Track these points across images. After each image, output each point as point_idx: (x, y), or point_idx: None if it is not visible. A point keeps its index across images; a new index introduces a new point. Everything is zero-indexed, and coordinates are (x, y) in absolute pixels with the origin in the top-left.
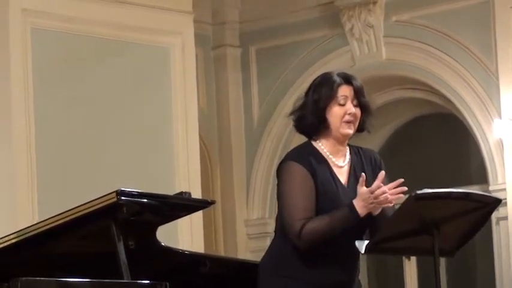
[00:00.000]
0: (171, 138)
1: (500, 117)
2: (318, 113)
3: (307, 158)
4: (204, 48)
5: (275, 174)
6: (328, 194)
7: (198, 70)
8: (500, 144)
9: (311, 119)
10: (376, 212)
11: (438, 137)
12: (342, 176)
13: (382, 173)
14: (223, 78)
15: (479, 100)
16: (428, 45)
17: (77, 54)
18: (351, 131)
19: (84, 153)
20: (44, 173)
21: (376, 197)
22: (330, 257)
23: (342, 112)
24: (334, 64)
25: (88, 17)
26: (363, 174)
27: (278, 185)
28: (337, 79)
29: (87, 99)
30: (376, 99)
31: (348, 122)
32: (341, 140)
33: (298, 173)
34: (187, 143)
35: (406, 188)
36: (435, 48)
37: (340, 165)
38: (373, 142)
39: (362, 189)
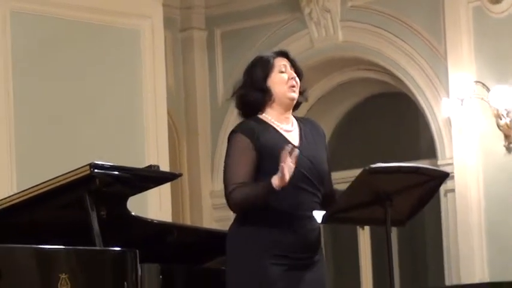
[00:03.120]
0: (141, 115)
1: (448, 96)
2: (260, 86)
3: (252, 128)
4: (172, 30)
5: None
6: (279, 155)
7: (166, 51)
8: (448, 122)
9: (253, 94)
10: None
11: (390, 115)
12: (293, 138)
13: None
14: (190, 59)
15: (428, 80)
16: (381, 29)
17: (53, 36)
18: (296, 95)
19: (60, 129)
20: (22, 148)
21: (288, 166)
22: (293, 222)
23: (284, 78)
24: (294, 46)
25: (64, 1)
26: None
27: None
28: (272, 54)
29: (63, 78)
30: (333, 79)
31: (292, 87)
32: (287, 107)
33: (238, 143)
34: (156, 120)
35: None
36: (388, 31)
37: (289, 129)
38: (330, 119)
39: (282, 165)
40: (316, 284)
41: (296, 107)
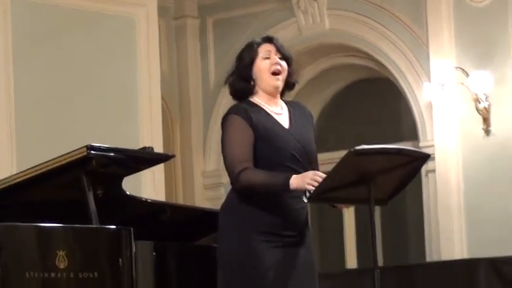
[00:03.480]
0: (136, 99)
1: (429, 81)
2: (245, 74)
3: (246, 109)
4: (166, 18)
5: None
6: (272, 136)
7: (160, 38)
8: (430, 105)
9: (240, 82)
10: (303, 189)
11: (374, 99)
12: (283, 121)
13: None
14: (183, 45)
15: (411, 66)
16: (366, 17)
17: (53, 23)
18: (279, 83)
19: (59, 113)
20: (23, 130)
21: (313, 179)
22: (281, 201)
23: (267, 65)
24: (282, 34)
25: None
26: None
27: (221, 136)
28: (257, 40)
29: (62, 64)
30: (320, 65)
31: (275, 74)
32: (273, 93)
33: (236, 123)
34: (151, 103)
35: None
36: (373, 19)
37: (279, 112)
38: (317, 103)
39: (309, 173)
40: (304, 261)
41: (290, 88)
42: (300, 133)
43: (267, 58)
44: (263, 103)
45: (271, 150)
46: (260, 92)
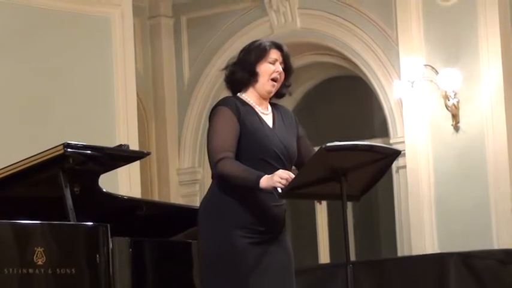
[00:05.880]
0: (112, 97)
1: (399, 78)
2: (249, 68)
3: (235, 103)
4: (141, 18)
5: (204, 129)
6: (257, 133)
7: (135, 37)
8: (400, 102)
9: (241, 73)
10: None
11: (346, 97)
12: (268, 120)
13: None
14: (158, 44)
15: (381, 64)
16: (337, 16)
17: (28, 23)
18: (273, 89)
19: (35, 111)
20: None
21: (282, 177)
22: (261, 198)
23: (271, 69)
24: (255, 32)
25: None
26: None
27: (209, 125)
28: (269, 43)
29: (37, 64)
30: (292, 63)
31: (274, 80)
32: (264, 96)
33: (223, 114)
34: (126, 102)
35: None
36: (343, 18)
37: (265, 112)
38: (289, 100)
39: (278, 171)
40: (282, 257)
41: (280, 96)
42: (283, 134)
43: (272, 64)
44: (251, 102)
45: (255, 146)
46: (251, 90)
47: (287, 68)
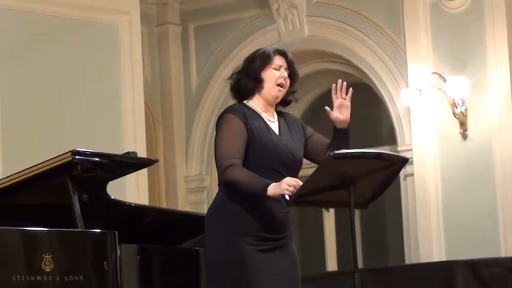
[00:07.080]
0: (119, 104)
1: (407, 86)
2: (254, 75)
3: (242, 111)
4: (149, 25)
5: (211, 136)
6: (264, 140)
7: (143, 45)
8: (408, 110)
9: (246, 81)
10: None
11: (353, 104)
12: (275, 127)
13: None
14: (166, 52)
15: (389, 72)
16: (345, 23)
17: (37, 31)
18: (279, 94)
19: (44, 119)
20: (8, 137)
21: (289, 184)
22: (267, 204)
23: (276, 75)
24: (263, 40)
25: None
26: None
27: (216, 132)
28: (273, 49)
29: (45, 71)
30: (300, 71)
31: (280, 86)
32: (271, 102)
33: (231, 121)
34: (134, 109)
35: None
36: (351, 26)
37: (272, 120)
38: (297, 108)
39: (286, 179)
40: (289, 264)
41: (286, 104)
42: (290, 141)
43: (277, 70)
44: (258, 109)
45: (263, 153)
46: (258, 97)
47: (292, 74)
